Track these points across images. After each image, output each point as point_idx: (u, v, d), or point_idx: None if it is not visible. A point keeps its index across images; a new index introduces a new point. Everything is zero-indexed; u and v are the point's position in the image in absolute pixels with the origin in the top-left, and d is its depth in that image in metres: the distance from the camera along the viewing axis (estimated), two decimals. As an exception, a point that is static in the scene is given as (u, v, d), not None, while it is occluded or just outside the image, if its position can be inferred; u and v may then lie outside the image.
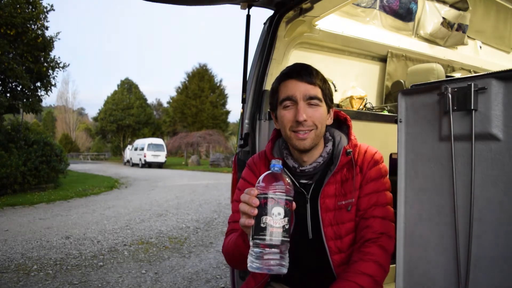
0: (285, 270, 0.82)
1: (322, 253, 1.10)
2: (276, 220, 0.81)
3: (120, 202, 7.88)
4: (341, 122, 1.22)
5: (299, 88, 1.08)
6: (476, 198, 0.83)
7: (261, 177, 0.87)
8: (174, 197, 8.63)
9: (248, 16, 1.83)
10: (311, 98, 1.07)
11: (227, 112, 35.69)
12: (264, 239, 0.81)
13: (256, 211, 0.82)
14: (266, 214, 0.81)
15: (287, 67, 1.16)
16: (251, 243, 0.83)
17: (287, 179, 0.86)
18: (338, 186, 1.10)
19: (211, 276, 3.28)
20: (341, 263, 1.09)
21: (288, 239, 0.83)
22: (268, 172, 0.87)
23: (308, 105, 1.08)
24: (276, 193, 0.83)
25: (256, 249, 0.82)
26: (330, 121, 1.16)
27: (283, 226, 0.81)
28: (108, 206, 7.28)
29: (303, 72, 1.10)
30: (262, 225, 0.81)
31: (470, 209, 0.84)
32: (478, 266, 0.83)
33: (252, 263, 0.82)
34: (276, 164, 0.87)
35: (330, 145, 1.15)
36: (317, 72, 1.12)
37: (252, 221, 0.83)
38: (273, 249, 0.81)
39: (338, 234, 1.09)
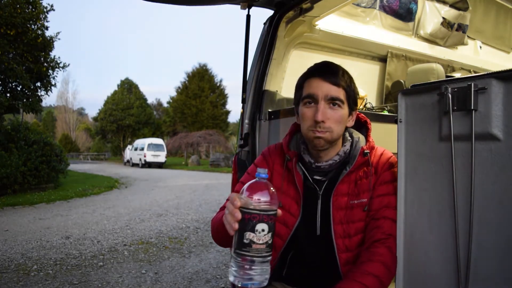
0: (265, 283, 0.81)
1: (329, 251, 1.11)
2: (259, 237, 0.79)
3: (120, 202, 7.88)
4: (361, 124, 1.24)
5: (322, 88, 1.08)
6: (476, 198, 0.83)
7: (245, 187, 0.84)
8: (174, 197, 8.63)
9: (248, 16, 1.83)
10: (333, 99, 1.07)
11: (227, 112, 35.70)
12: (246, 255, 0.79)
13: (236, 226, 0.80)
14: (249, 230, 0.79)
15: (315, 64, 1.15)
16: (233, 254, 0.81)
17: (271, 189, 0.83)
18: (351, 186, 1.11)
19: (211, 276, 3.28)
20: (347, 262, 1.09)
21: (270, 254, 0.81)
22: (253, 182, 0.84)
23: (329, 106, 1.08)
24: (261, 207, 0.80)
25: (238, 262, 0.80)
26: (351, 123, 1.16)
27: (267, 242, 0.79)
28: (108, 206, 7.28)
29: (328, 71, 1.10)
30: (245, 240, 0.79)
31: (470, 209, 0.84)
32: (478, 266, 0.83)
33: (233, 275, 0.80)
34: (262, 173, 0.84)
35: (348, 145, 1.16)
36: (344, 72, 1.12)
37: (234, 230, 0.81)
38: (255, 265, 0.79)
39: (348, 232, 1.10)
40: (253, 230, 0.78)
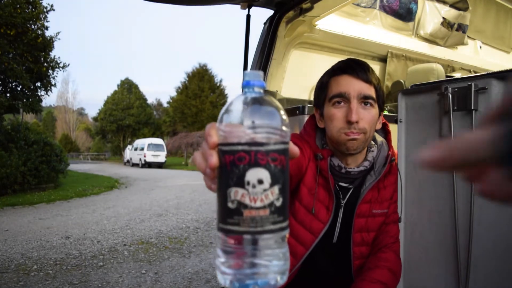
0: (281, 279, 0.42)
1: (343, 258, 1.08)
2: (255, 195, 0.40)
3: (120, 202, 7.87)
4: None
5: (354, 86, 0.98)
6: (476, 198, 0.83)
7: (226, 106, 0.44)
8: (174, 197, 8.62)
9: (248, 16, 1.83)
10: (366, 97, 0.97)
11: (227, 112, 35.64)
12: (235, 232, 0.40)
13: (211, 175, 0.42)
14: (234, 185, 0.40)
15: (341, 61, 1.05)
16: (218, 234, 0.43)
17: (275, 103, 0.42)
18: (375, 193, 1.05)
19: (211, 276, 3.28)
20: (360, 268, 1.07)
21: (284, 226, 0.42)
22: (241, 96, 0.43)
23: (362, 106, 0.98)
24: (254, 138, 0.40)
25: (226, 246, 0.42)
26: (379, 125, 1.07)
27: (272, 204, 0.40)
28: (108, 206, 7.27)
29: (359, 68, 1.01)
30: (230, 204, 0.40)
31: (470, 209, 0.84)
32: (478, 266, 0.83)
33: (221, 273, 0.42)
34: (255, 81, 0.42)
35: (375, 150, 1.07)
36: (373, 70, 1.04)
37: (212, 187, 0.44)
38: (256, 249, 0.41)
39: (366, 241, 1.06)
40: (241, 183, 0.40)
